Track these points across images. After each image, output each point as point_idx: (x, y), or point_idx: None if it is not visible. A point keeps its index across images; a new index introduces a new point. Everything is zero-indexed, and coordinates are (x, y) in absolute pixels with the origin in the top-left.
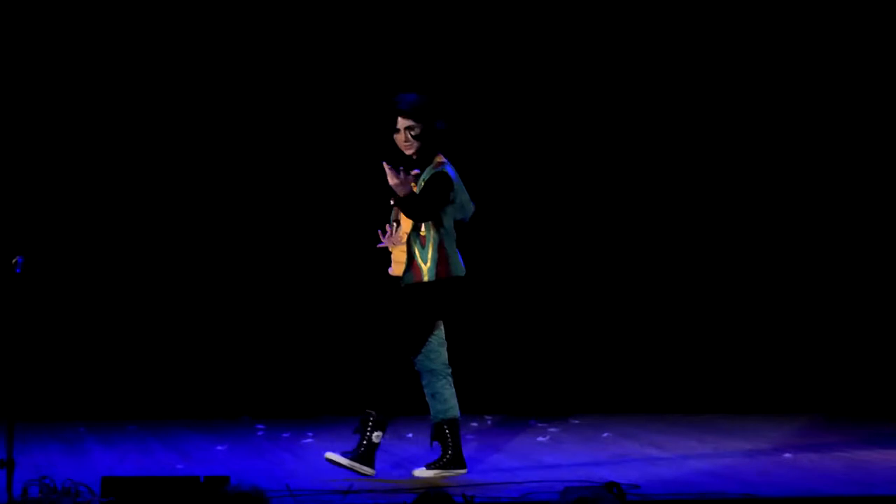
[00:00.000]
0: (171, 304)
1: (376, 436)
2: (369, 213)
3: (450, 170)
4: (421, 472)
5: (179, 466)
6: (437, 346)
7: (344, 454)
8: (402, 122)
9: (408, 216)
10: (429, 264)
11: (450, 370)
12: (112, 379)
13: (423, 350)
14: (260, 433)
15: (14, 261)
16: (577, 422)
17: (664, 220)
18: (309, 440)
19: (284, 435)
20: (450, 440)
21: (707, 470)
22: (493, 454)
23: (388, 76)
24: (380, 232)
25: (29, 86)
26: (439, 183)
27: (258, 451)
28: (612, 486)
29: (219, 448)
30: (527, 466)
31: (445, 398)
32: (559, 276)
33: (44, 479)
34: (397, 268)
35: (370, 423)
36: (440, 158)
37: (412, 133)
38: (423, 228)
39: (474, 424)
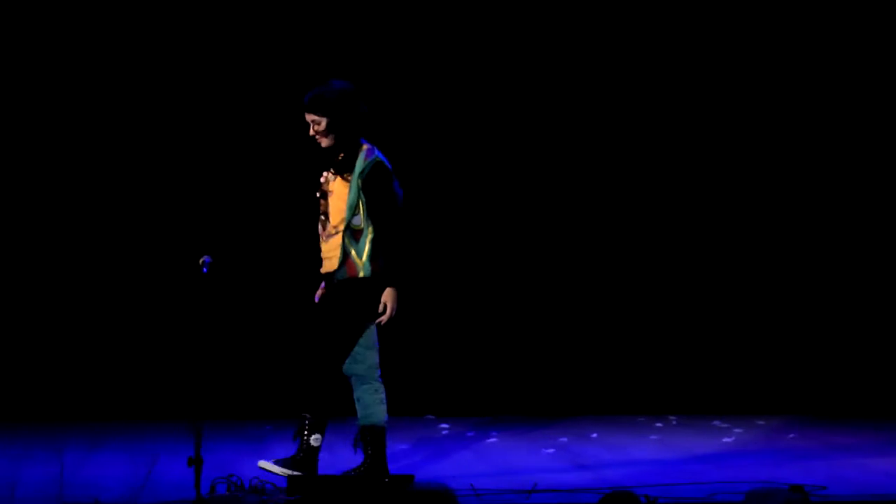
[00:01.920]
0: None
1: (315, 439)
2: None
3: (382, 157)
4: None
5: None
6: (365, 348)
7: (276, 462)
8: (308, 118)
9: (400, 247)
10: (364, 259)
11: (378, 373)
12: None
13: (350, 353)
14: (444, 432)
15: (201, 261)
16: (762, 423)
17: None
18: (493, 440)
19: (469, 434)
20: (371, 447)
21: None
22: (677, 454)
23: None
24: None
25: None
26: (381, 178)
27: (442, 450)
28: (797, 488)
29: (403, 447)
30: (711, 467)
31: (367, 404)
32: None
33: (231, 476)
34: (328, 264)
35: (307, 427)
36: (365, 146)
37: (318, 128)
38: (358, 221)
39: (659, 425)
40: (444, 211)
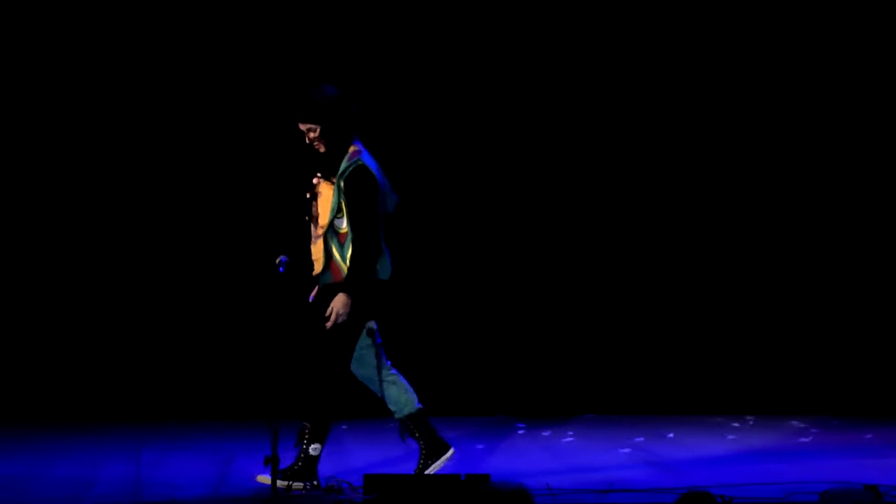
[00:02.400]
0: (444, 303)
1: (314, 448)
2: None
3: (368, 160)
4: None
5: None
6: (366, 349)
7: (280, 472)
8: (302, 127)
9: (370, 259)
10: (348, 263)
11: (388, 365)
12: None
13: (349, 358)
14: (520, 432)
15: (278, 260)
16: (839, 423)
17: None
18: (569, 439)
19: (544, 433)
20: (417, 434)
21: None
22: (754, 454)
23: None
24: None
25: None
26: (360, 179)
27: (518, 450)
28: (871, 488)
29: (479, 446)
30: (788, 467)
31: (392, 398)
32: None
33: None
34: (316, 266)
35: (307, 436)
36: (354, 147)
37: (313, 135)
38: (343, 225)
39: (736, 425)
40: (487, 210)
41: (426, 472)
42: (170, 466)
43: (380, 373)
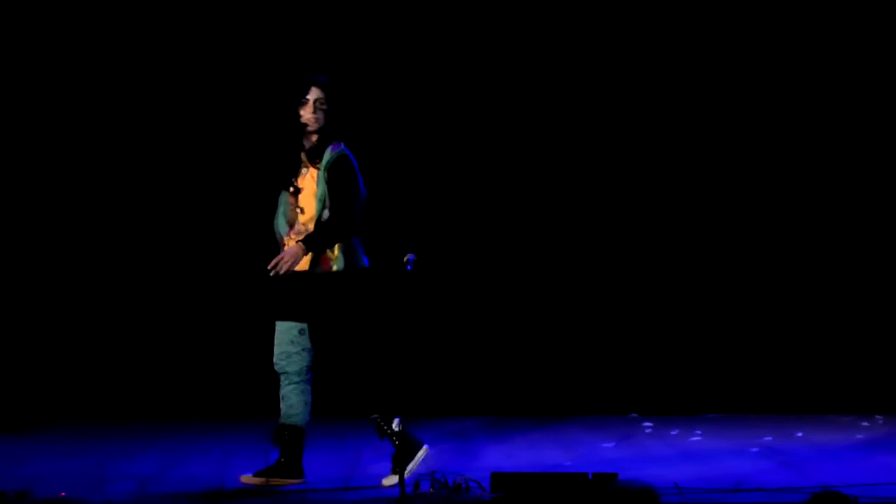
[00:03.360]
0: (564, 299)
1: (396, 423)
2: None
3: (347, 151)
4: (248, 479)
5: (567, 463)
6: (300, 350)
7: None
8: (314, 93)
9: (339, 239)
10: (337, 252)
11: (308, 376)
12: (502, 375)
13: (285, 351)
14: (648, 430)
15: (406, 259)
16: None
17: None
18: (697, 438)
19: (673, 432)
20: (286, 447)
21: None
22: (884, 453)
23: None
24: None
25: None
26: (345, 167)
27: (645, 449)
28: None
29: (607, 445)
30: None
31: (292, 403)
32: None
33: (434, 473)
34: (304, 260)
35: (385, 426)
36: (336, 142)
37: (321, 105)
38: (328, 214)
39: (865, 424)
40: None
41: (263, 482)
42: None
43: (301, 377)
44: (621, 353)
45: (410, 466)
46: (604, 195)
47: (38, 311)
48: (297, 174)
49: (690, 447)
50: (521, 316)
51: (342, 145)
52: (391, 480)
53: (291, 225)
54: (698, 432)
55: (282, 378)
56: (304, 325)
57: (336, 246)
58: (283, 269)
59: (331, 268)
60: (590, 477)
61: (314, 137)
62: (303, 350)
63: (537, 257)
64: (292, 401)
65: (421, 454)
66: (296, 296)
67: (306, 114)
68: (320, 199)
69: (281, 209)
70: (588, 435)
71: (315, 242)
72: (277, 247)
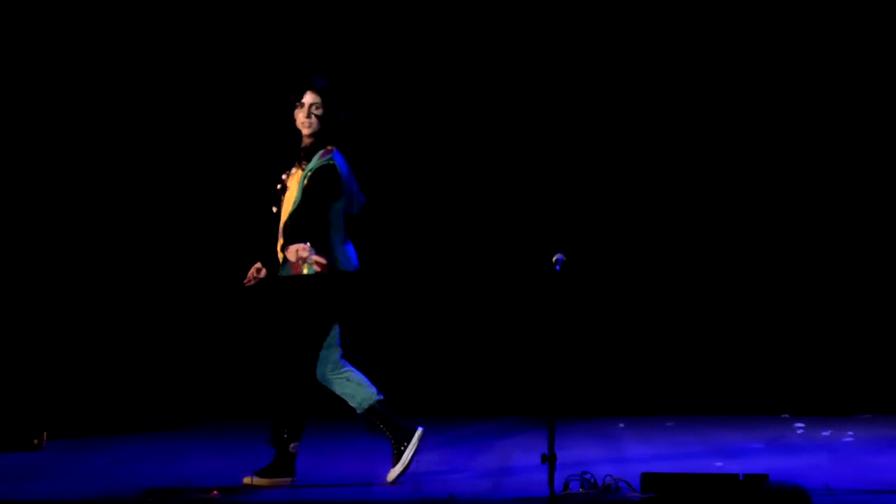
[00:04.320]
0: (715, 299)
1: (293, 447)
2: None
3: (339, 160)
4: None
5: (718, 464)
6: (326, 348)
7: (257, 473)
8: (308, 98)
9: (304, 238)
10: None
11: (342, 363)
12: (650, 375)
13: (317, 354)
14: (799, 431)
15: (554, 259)
16: None
17: None
18: (849, 438)
19: (824, 433)
20: (381, 425)
21: None
22: None
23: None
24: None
25: None
26: (326, 178)
27: (796, 450)
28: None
29: (757, 446)
30: None
31: (350, 394)
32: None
33: (584, 474)
34: (280, 259)
35: (285, 435)
36: (329, 147)
37: (315, 111)
38: None
39: None
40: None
41: (404, 458)
42: (446, 463)
43: (337, 370)
44: (772, 354)
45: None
46: (752, 194)
47: (179, 314)
48: (288, 173)
49: (842, 448)
50: (669, 316)
51: (335, 153)
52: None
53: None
54: (850, 433)
55: (325, 384)
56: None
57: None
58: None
59: (301, 271)
60: (740, 478)
61: (308, 140)
62: (328, 348)
63: (685, 257)
64: (348, 392)
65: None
66: (272, 300)
67: (300, 117)
68: (295, 203)
69: None
70: (737, 436)
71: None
72: None
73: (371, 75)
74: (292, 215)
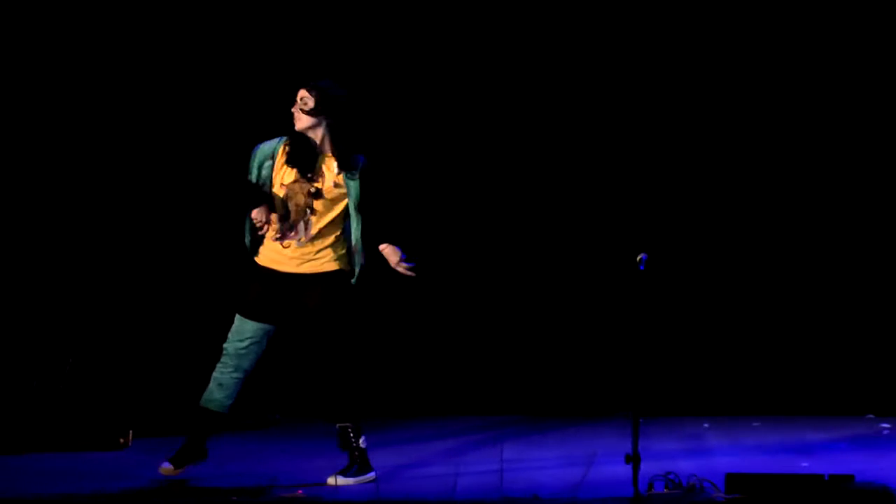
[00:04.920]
0: (799, 297)
1: (363, 441)
2: None
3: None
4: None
5: (804, 464)
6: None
7: (341, 473)
8: (299, 94)
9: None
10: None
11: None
12: (737, 374)
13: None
14: (885, 432)
15: (638, 258)
16: None
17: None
18: None
19: None
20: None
21: None
22: None
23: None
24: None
25: None
26: (378, 179)
27: (882, 450)
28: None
29: (842, 446)
30: None
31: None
32: None
33: (668, 474)
34: (294, 263)
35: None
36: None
37: (302, 104)
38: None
39: None
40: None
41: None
42: (531, 462)
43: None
44: (858, 354)
45: (351, 482)
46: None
47: None
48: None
49: None
50: (756, 315)
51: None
52: (334, 480)
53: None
54: None
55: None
56: (271, 327)
57: (357, 249)
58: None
59: (353, 268)
60: (826, 479)
61: (305, 134)
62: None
63: (771, 256)
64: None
65: (367, 479)
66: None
67: (295, 107)
68: (353, 204)
69: None
70: (823, 436)
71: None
72: None
73: (452, 72)
74: (371, 218)
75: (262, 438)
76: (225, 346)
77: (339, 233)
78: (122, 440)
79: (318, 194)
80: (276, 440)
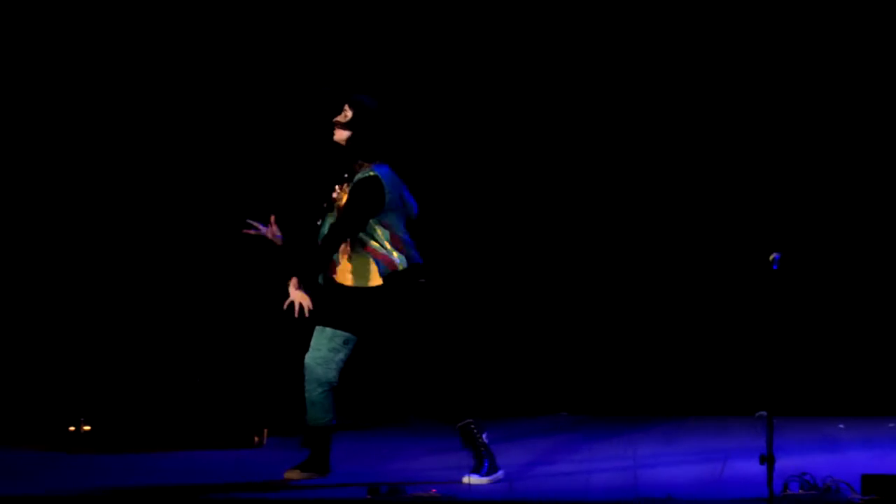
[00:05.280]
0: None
1: (486, 436)
2: None
3: (383, 171)
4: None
5: None
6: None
7: (475, 472)
8: (343, 110)
9: (330, 251)
10: (350, 266)
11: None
12: (872, 374)
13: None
14: None
15: (771, 258)
16: None
17: None
18: None
19: None
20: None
21: None
22: None
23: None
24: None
25: None
26: (367, 191)
27: None
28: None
29: None
30: None
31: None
32: None
33: (803, 475)
34: (344, 274)
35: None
36: (366, 162)
37: (339, 119)
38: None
39: None
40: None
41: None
42: (666, 463)
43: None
44: None
45: (485, 481)
46: None
47: None
48: (338, 188)
49: None
50: (890, 314)
51: (376, 167)
52: (468, 480)
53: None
54: None
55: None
56: (349, 336)
57: (346, 259)
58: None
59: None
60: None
61: (346, 152)
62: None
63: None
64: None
65: (497, 478)
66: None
67: (334, 122)
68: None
69: None
70: None
71: (305, 264)
72: None
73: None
74: (331, 226)
75: (398, 438)
76: (306, 360)
77: (366, 238)
78: (256, 438)
79: (330, 207)
80: (410, 440)
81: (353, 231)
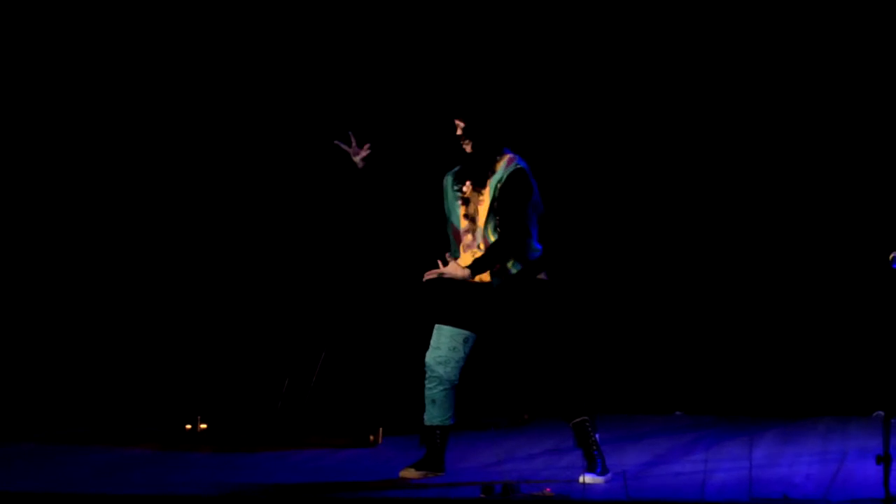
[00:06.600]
0: None
1: (598, 436)
2: None
3: (524, 164)
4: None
5: None
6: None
7: (591, 471)
8: (457, 123)
9: (504, 255)
10: (510, 264)
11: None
12: None
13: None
14: None
15: (891, 256)
16: None
17: None
18: None
19: None
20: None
21: None
22: None
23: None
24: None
25: None
26: (521, 186)
27: None
28: None
29: None
30: None
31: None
32: None
33: None
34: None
35: (588, 429)
36: (508, 156)
37: (460, 132)
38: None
39: None
40: None
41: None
42: (783, 463)
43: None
44: None
45: (600, 480)
46: None
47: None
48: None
49: None
50: None
51: (517, 160)
52: (583, 479)
53: (463, 237)
54: None
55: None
56: (469, 334)
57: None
58: (443, 275)
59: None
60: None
61: (476, 157)
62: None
63: None
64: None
65: (608, 478)
66: (460, 303)
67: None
68: (489, 215)
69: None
70: None
71: (478, 266)
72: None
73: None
74: (501, 230)
75: (513, 437)
76: (426, 360)
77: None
78: (372, 437)
79: (466, 202)
80: (525, 439)
81: (524, 227)
